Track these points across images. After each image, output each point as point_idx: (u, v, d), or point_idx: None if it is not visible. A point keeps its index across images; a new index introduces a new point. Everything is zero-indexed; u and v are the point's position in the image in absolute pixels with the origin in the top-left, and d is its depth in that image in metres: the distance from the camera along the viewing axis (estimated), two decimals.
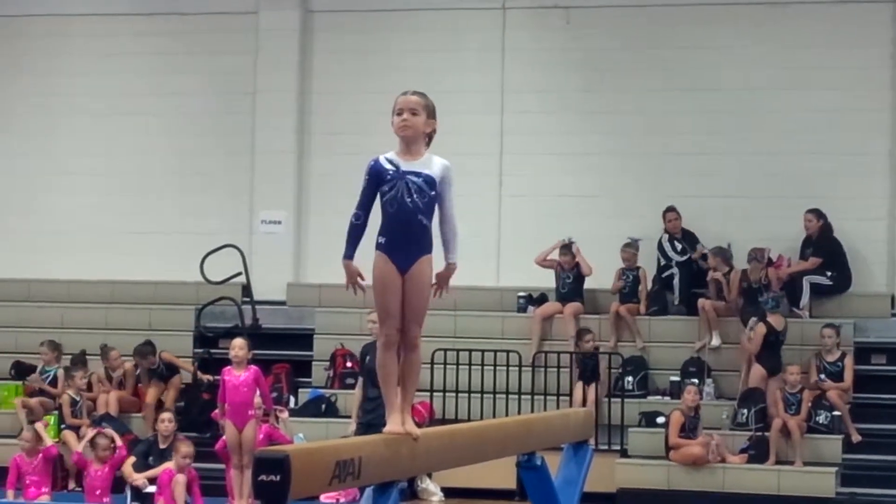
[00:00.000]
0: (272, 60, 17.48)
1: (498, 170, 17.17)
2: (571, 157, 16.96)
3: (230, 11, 17.73)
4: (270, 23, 17.50)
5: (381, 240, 6.30)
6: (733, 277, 15.73)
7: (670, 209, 16.33)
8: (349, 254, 6.30)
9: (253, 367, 12.93)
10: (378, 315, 6.32)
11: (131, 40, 17.98)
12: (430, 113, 6.39)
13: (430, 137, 6.41)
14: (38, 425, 14.49)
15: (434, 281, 6.40)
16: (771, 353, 15.03)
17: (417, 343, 6.36)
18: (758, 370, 14.97)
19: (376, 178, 6.28)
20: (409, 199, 6.25)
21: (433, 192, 6.29)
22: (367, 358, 12.15)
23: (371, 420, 11.81)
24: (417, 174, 6.28)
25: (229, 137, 17.74)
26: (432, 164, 6.34)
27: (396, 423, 6.21)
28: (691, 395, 14.56)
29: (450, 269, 6.46)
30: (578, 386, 15.25)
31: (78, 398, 15.51)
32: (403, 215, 6.25)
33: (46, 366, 16.21)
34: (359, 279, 6.30)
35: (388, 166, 6.29)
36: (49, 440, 14.33)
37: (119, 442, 14.04)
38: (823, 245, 15.94)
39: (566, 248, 16.26)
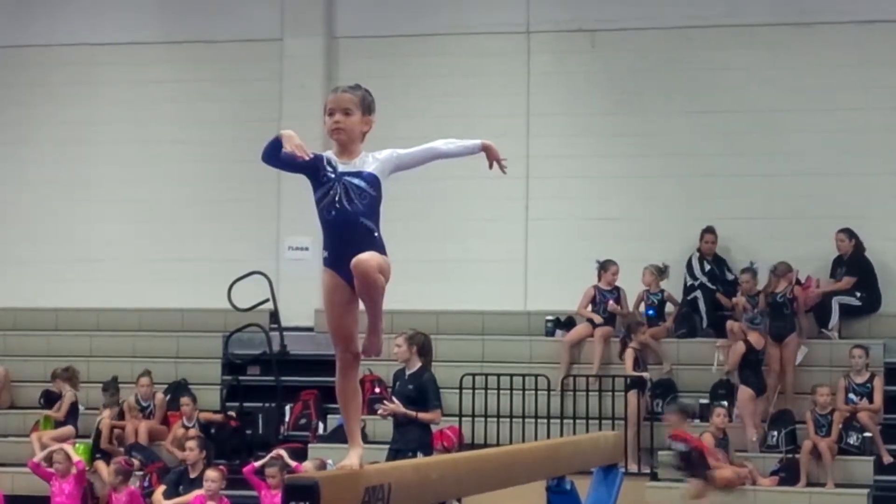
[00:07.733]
0: (297, 87, 17.52)
1: (524, 193, 17.15)
2: (597, 180, 16.94)
3: (255, 39, 17.81)
4: (295, 50, 17.56)
5: (325, 254, 5.92)
6: (762, 298, 15.66)
7: (709, 230, 16.26)
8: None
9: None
10: (332, 337, 5.88)
11: (158, 68, 18.06)
12: (367, 109, 5.87)
13: (364, 135, 5.88)
14: (66, 446, 14.50)
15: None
16: (753, 372, 14.99)
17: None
18: (745, 391, 14.92)
19: (314, 170, 5.80)
20: (347, 203, 5.77)
21: (374, 193, 5.77)
22: (397, 384, 12.14)
23: (400, 446, 11.79)
24: (356, 174, 5.79)
25: (256, 164, 17.57)
26: (368, 161, 5.83)
27: (354, 457, 5.91)
28: (720, 417, 14.50)
29: (485, 147, 6.37)
30: (629, 355, 15.28)
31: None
32: (343, 221, 5.80)
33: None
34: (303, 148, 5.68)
35: (328, 166, 5.78)
36: (76, 456, 14.32)
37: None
38: (856, 264, 15.87)
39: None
